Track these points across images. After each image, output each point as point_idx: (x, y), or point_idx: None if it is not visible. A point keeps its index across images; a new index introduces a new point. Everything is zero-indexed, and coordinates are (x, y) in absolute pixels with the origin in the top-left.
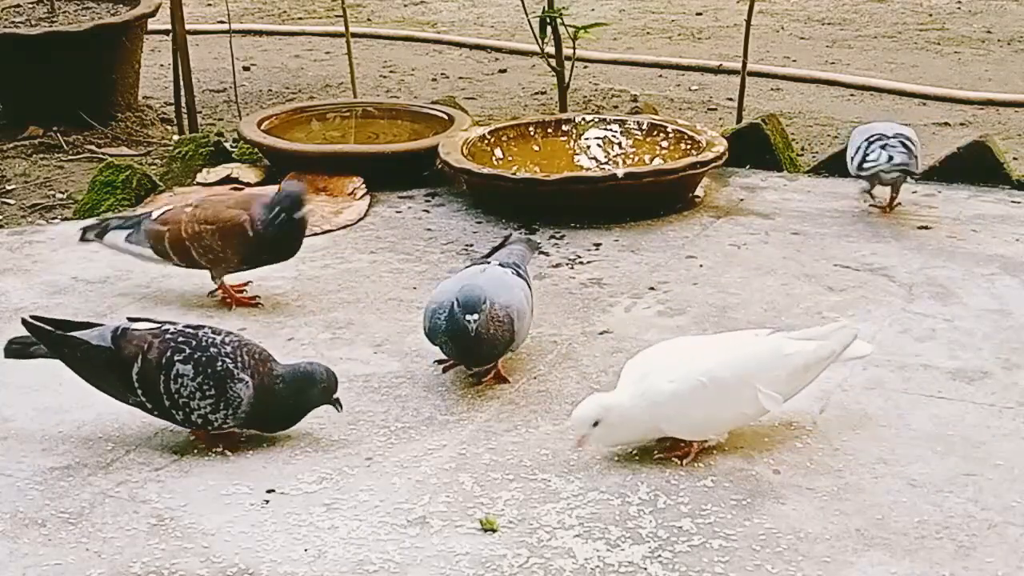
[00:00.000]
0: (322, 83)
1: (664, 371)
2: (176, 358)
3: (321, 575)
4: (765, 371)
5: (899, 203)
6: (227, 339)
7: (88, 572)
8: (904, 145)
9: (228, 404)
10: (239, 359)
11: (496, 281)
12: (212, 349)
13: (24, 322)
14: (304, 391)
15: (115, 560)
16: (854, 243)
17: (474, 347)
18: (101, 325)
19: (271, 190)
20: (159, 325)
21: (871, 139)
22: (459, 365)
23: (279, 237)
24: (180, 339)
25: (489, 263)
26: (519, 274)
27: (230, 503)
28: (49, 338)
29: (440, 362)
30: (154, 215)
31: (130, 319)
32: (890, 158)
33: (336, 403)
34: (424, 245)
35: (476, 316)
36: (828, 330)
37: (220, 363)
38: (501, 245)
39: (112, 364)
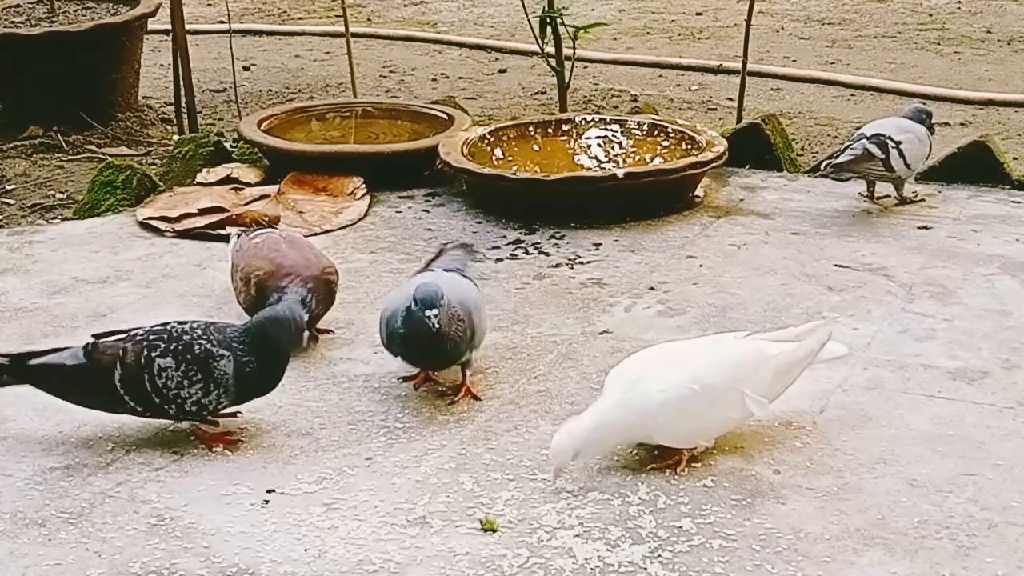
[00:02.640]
0: (322, 83)
1: (653, 379)
2: (154, 354)
3: (321, 575)
4: (751, 374)
5: (896, 201)
6: (194, 325)
7: (88, 572)
8: (870, 146)
9: (217, 383)
10: (212, 337)
11: (446, 282)
12: (185, 336)
13: None
14: (277, 336)
15: (115, 560)
16: (854, 243)
17: (437, 346)
18: (63, 349)
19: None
20: (126, 332)
21: (857, 135)
22: (427, 380)
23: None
24: (152, 337)
25: (433, 271)
26: (465, 276)
27: (230, 503)
28: (19, 371)
29: (406, 379)
30: (254, 232)
31: (95, 336)
32: (836, 155)
33: (312, 336)
34: (424, 245)
35: (436, 311)
36: (804, 330)
37: (197, 346)
38: (437, 255)
39: (92, 379)
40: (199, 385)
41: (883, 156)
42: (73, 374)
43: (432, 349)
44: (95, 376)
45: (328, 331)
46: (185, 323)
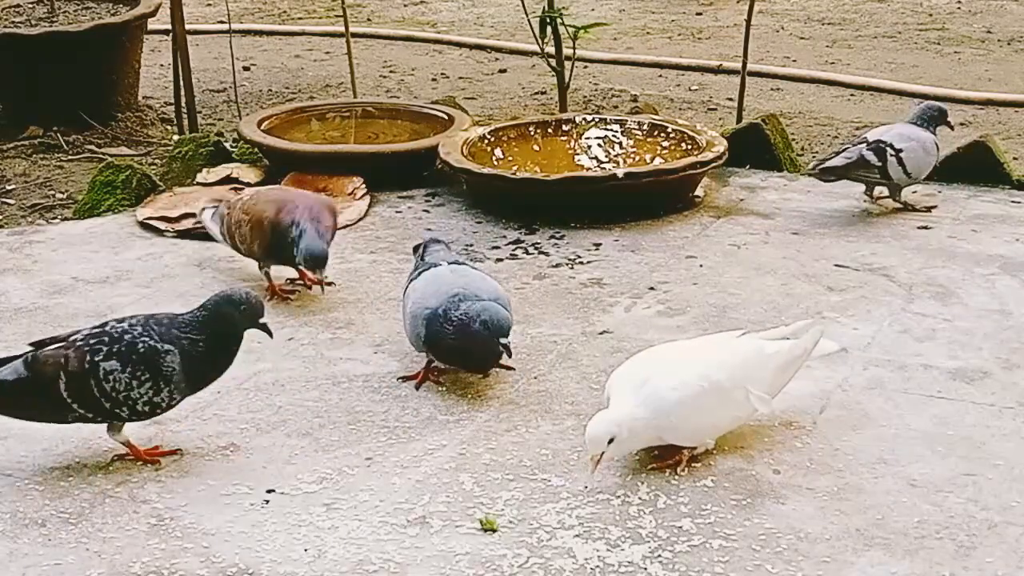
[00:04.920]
0: (322, 83)
1: (663, 379)
2: (98, 358)
3: (321, 575)
4: (752, 372)
5: (898, 205)
6: (133, 321)
7: (88, 572)
8: (867, 153)
9: (167, 380)
10: (153, 332)
11: (472, 277)
12: (127, 336)
13: None
14: (225, 316)
15: (115, 560)
16: (854, 243)
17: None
18: (3, 363)
19: (324, 200)
20: (67, 337)
21: (858, 139)
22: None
23: (288, 258)
24: (92, 340)
25: (439, 265)
26: (474, 268)
27: (230, 503)
28: None
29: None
30: (235, 198)
31: (32, 344)
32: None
33: (264, 328)
34: None
35: (508, 339)
36: (795, 329)
37: (141, 344)
38: (423, 253)
39: (36, 391)
40: (148, 384)
41: (879, 164)
42: (15, 389)
43: (486, 361)
44: (39, 388)
45: (330, 283)
46: (124, 320)
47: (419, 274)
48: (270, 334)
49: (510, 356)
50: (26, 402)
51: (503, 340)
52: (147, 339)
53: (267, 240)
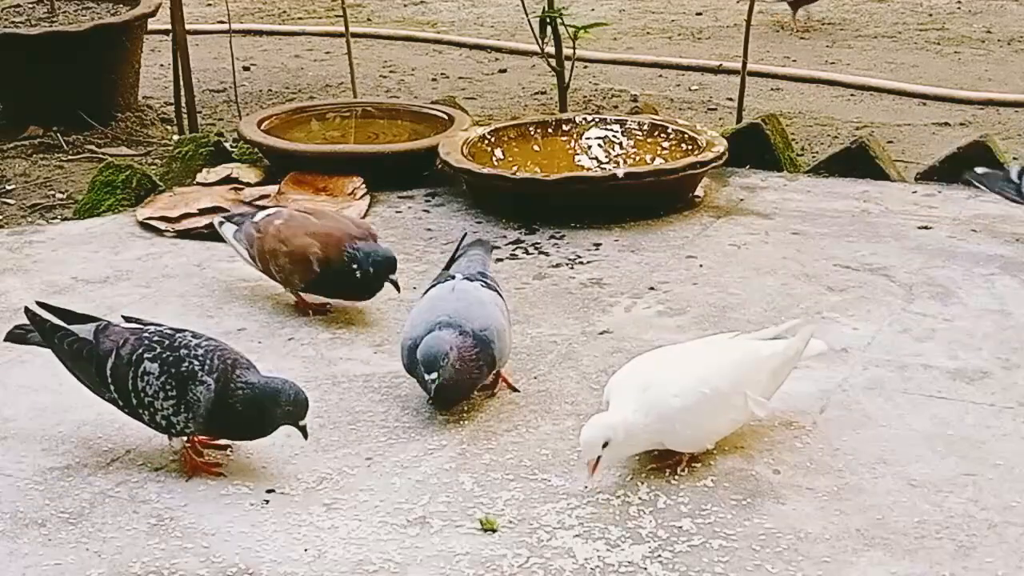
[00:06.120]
0: (322, 83)
1: (665, 385)
2: (145, 355)
3: (321, 575)
4: (751, 376)
5: None
6: (203, 343)
7: (88, 572)
8: (1014, 170)
9: (188, 407)
10: (207, 363)
11: (469, 301)
12: (183, 351)
13: (26, 310)
14: (267, 408)
15: (115, 560)
16: (854, 243)
17: (445, 397)
18: (102, 321)
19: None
20: (144, 325)
21: None
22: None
23: (349, 283)
24: (155, 338)
25: (455, 277)
26: (488, 285)
27: (230, 503)
28: (43, 327)
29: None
30: (258, 217)
31: (124, 317)
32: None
33: (302, 430)
34: (424, 245)
35: (436, 375)
36: (783, 329)
37: (186, 364)
38: (457, 251)
39: (91, 357)
40: (172, 402)
41: (1016, 183)
42: (80, 348)
43: (442, 400)
44: (94, 356)
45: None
46: (199, 337)
47: (429, 289)
48: (305, 435)
49: (430, 397)
50: (82, 365)
51: (428, 376)
52: (196, 363)
53: (316, 276)
